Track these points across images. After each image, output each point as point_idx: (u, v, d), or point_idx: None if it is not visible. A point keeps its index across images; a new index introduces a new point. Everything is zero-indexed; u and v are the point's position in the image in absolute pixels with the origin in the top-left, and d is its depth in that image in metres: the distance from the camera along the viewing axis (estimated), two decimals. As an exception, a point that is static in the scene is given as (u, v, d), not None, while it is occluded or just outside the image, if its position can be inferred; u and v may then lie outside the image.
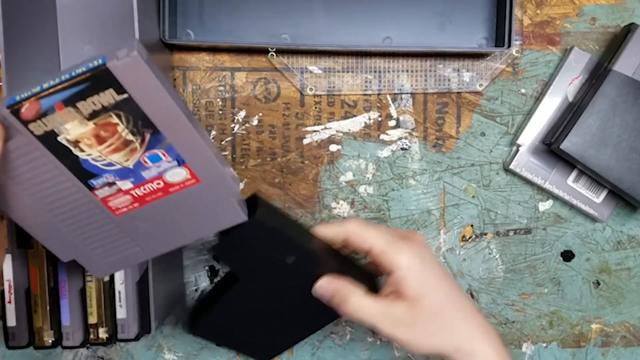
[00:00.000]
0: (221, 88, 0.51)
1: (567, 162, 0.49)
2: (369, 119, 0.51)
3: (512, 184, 0.52)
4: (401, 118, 0.52)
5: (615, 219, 0.53)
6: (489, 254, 0.53)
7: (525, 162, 0.51)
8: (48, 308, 0.42)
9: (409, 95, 0.51)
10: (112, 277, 0.42)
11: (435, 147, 0.52)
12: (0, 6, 0.40)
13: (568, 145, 0.46)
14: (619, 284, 0.53)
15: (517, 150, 0.51)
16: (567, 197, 0.51)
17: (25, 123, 0.25)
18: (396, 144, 0.52)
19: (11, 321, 0.41)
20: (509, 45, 0.47)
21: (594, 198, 0.51)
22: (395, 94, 0.51)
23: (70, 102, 0.24)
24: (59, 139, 0.26)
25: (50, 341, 0.42)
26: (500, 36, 0.48)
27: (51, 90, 0.24)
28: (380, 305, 0.34)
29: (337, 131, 0.51)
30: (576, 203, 0.51)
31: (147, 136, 0.27)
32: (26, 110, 0.24)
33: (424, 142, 0.52)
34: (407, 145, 0.52)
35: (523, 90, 0.52)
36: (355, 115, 0.51)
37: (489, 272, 0.53)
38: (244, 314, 0.40)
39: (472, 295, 0.53)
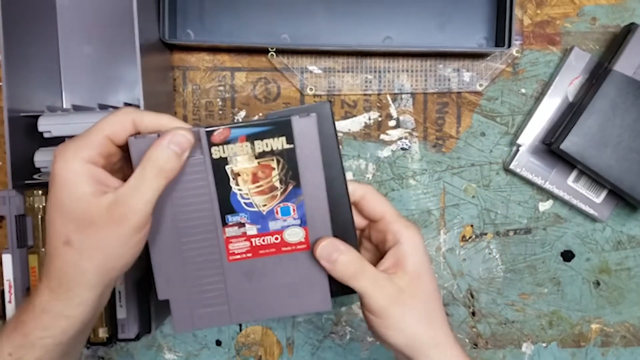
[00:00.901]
0: (221, 88, 0.51)
1: (567, 162, 0.49)
2: (369, 119, 0.51)
3: (512, 184, 0.52)
4: (401, 118, 0.52)
5: (615, 219, 0.53)
6: (489, 254, 0.53)
7: (525, 162, 0.51)
8: (48, 308, 0.41)
9: (409, 95, 0.51)
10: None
11: (435, 147, 0.52)
12: (1, 7, 0.40)
13: (568, 145, 0.46)
14: (618, 284, 0.53)
15: (517, 150, 0.51)
16: (567, 197, 0.51)
17: (211, 145, 0.30)
18: (396, 144, 0.52)
19: (11, 321, 0.41)
20: (509, 45, 0.47)
21: (594, 198, 0.51)
22: (395, 93, 0.51)
23: (251, 137, 0.30)
24: (226, 167, 0.31)
25: (50, 341, 0.42)
26: (500, 36, 0.48)
27: (242, 125, 0.30)
28: (384, 277, 0.32)
29: (337, 131, 0.51)
30: (576, 203, 0.51)
31: (290, 188, 0.31)
32: (218, 134, 0.30)
33: (424, 142, 0.52)
34: (407, 145, 0.52)
35: (523, 90, 0.52)
36: (355, 115, 0.51)
37: (489, 272, 0.53)
38: None
39: (472, 296, 0.53)
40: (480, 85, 0.51)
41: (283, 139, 0.30)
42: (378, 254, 0.36)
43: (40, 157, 0.43)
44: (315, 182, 0.31)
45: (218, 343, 0.52)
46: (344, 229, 0.34)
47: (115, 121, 0.30)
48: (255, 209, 0.32)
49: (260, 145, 0.30)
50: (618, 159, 0.46)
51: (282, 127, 0.30)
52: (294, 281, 0.33)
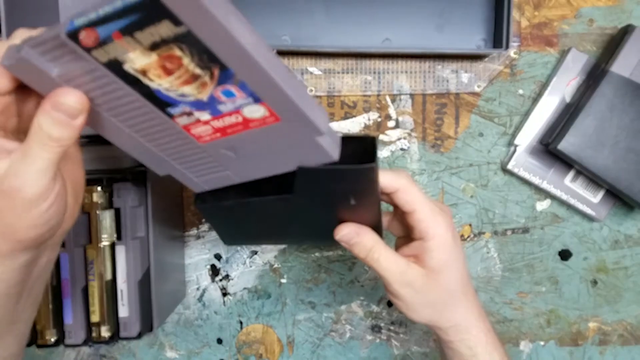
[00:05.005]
0: (222, 89, 0.51)
1: (565, 162, 0.49)
2: (369, 119, 0.52)
3: (510, 184, 0.53)
4: (400, 119, 0.52)
5: (613, 218, 0.53)
6: (487, 253, 0.53)
7: (523, 162, 0.51)
8: (51, 306, 0.42)
9: (408, 96, 0.52)
10: (114, 275, 0.42)
11: (433, 148, 0.52)
12: (3, 6, 0.41)
13: (565, 145, 0.47)
14: (616, 283, 0.54)
15: (515, 151, 0.51)
16: (565, 196, 0.51)
17: (88, 50, 0.23)
18: (395, 144, 0.52)
19: (15, 319, 0.41)
20: (507, 47, 0.47)
21: (592, 198, 0.51)
22: (394, 94, 0.52)
23: (127, 31, 0.22)
24: (124, 67, 0.24)
25: (52, 340, 0.42)
26: (498, 38, 0.49)
27: (106, 19, 0.22)
28: (399, 264, 0.34)
29: (336, 132, 0.52)
30: (574, 203, 0.51)
31: (216, 72, 0.24)
32: (84, 37, 0.22)
33: (422, 143, 0.52)
34: (406, 145, 0.52)
35: (521, 91, 0.52)
36: (354, 116, 0.52)
37: (487, 271, 0.53)
38: (262, 217, 0.36)
39: (470, 294, 0.53)
40: (479, 86, 0.52)
41: (166, 22, 0.21)
42: (407, 230, 0.37)
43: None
44: (242, 58, 0.23)
45: (219, 341, 0.53)
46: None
47: None
48: (193, 99, 0.26)
49: (145, 36, 0.22)
50: (615, 159, 0.47)
51: (155, 10, 0.21)
52: (281, 146, 0.29)
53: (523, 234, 0.53)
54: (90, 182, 0.42)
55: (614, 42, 0.49)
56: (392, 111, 0.52)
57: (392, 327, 0.53)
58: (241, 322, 0.53)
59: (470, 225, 0.53)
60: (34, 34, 0.25)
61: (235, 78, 0.24)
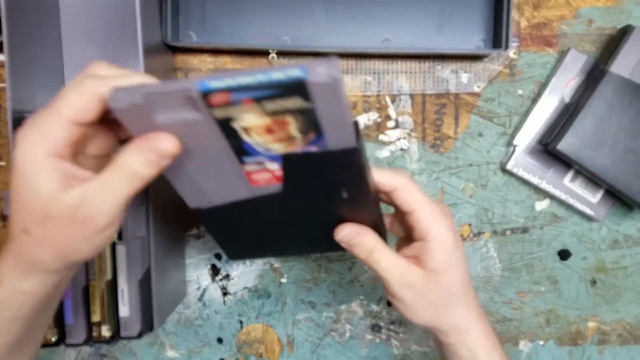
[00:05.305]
0: (222, 89, 0.51)
1: (564, 162, 0.49)
2: (368, 119, 0.52)
3: (509, 184, 0.53)
4: (400, 119, 0.52)
5: (612, 218, 0.53)
6: (487, 252, 0.53)
7: (522, 162, 0.51)
8: (52, 306, 0.42)
9: (408, 96, 0.52)
10: (115, 275, 0.43)
11: (433, 148, 0.52)
12: (5, 8, 0.41)
13: (564, 145, 0.47)
14: (615, 283, 0.54)
15: (514, 151, 0.51)
16: (564, 196, 0.52)
17: (210, 107, 0.25)
18: (395, 144, 0.52)
19: (16, 319, 0.41)
20: (506, 47, 0.48)
21: (591, 198, 0.52)
22: (394, 95, 0.52)
23: (258, 100, 0.25)
24: (232, 124, 0.26)
25: (53, 339, 0.42)
26: (497, 38, 0.49)
27: (245, 88, 0.24)
28: (399, 264, 0.34)
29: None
30: (573, 203, 0.52)
31: (312, 136, 0.27)
32: (216, 99, 0.25)
33: (422, 143, 0.52)
34: (405, 145, 0.52)
35: (520, 92, 0.52)
36: (354, 116, 0.52)
37: (487, 270, 0.53)
38: (256, 217, 0.38)
39: (470, 294, 0.53)
40: (478, 86, 0.52)
41: (298, 98, 0.25)
42: (408, 231, 0.37)
43: (44, 157, 0.44)
44: (342, 131, 0.27)
45: (219, 341, 0.53)
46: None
47: (76, 102, 0.26)
48: (275, 153, 0.28)
49: (271, 105, 0.25)
50: (614, 159, 0.47)
51: (295, 89, 0.24)
52: None
53: (522, 234, 0.53)
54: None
55: (613, 43, 0.49)
56: (391, 111, 0.52)
57: (391, 327, 0.54)
58: (241, 322, 0.53)
59: (469, 225, 0.53)
60: (143, 81, 0.27)
61: (323, 143, 0.28)
